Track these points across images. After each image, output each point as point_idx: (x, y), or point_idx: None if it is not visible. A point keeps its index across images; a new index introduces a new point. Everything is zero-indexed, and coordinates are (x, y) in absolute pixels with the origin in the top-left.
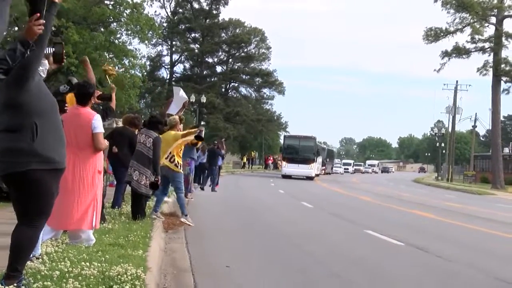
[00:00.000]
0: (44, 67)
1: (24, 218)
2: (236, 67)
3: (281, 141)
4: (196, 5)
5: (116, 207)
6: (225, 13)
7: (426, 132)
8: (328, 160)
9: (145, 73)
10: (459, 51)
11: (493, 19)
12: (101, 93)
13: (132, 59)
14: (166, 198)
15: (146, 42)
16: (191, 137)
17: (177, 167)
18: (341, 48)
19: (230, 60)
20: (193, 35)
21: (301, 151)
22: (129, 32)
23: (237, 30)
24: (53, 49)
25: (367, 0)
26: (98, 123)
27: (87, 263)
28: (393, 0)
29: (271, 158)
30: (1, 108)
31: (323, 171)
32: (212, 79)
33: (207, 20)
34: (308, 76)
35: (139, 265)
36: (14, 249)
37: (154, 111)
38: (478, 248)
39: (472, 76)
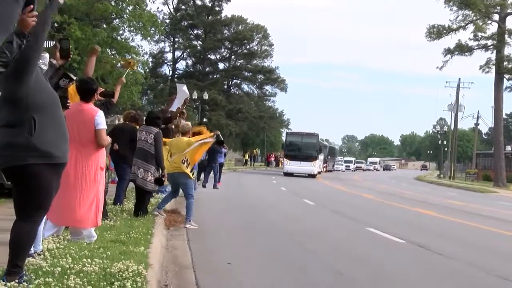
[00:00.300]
0: (44, 60)
1: (22, 212)
2: (239, 64)
3: (283, 138)
4: (198, 2)
5: (118, 203)
6: (228, 10)
7: (428, 130)
8: (329, 157)
9: (147, 70)
10: (462, 49)
11: (496, 17)
12: (103, 90)
13: (135, 56)
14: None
15: (149, 38)
16: (209, 141)
17: (191, 173)
18: (344, 46)
19: (233, 57)
20: (195, 31)
21: (303, 148)
22: (132, 28)
23: (240, 27)
24: (59, 44)
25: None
26: (101, 120)
27: (89, 260)
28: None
29: (273, 155)
30: (1, 103)
31: (324, 169)
32: (215, 76)
33: (210, 17)
34: (310, 73)
35: (141, 262)
36: (13, 245)
37: (157, 108)
38: (479, 246)
39: (474, 74)
